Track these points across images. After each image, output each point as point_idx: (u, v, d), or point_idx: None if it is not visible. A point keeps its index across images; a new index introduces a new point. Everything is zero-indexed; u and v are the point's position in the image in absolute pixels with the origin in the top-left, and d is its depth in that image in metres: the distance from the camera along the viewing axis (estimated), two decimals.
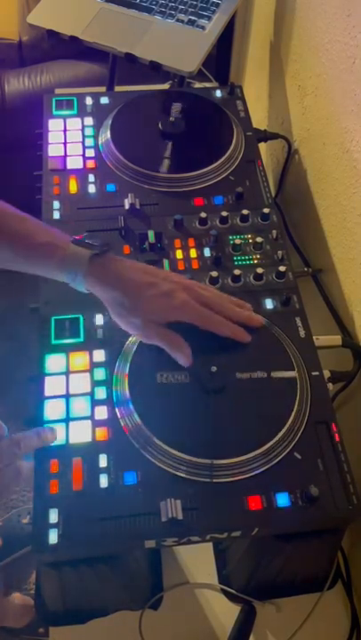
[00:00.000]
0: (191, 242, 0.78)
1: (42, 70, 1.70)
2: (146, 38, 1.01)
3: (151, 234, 0.77)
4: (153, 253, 0.76)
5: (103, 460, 0.60)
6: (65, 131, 0.89)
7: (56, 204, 0.80)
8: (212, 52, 1.03)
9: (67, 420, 0.63)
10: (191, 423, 0.63)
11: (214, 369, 0.64)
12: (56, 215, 0.79)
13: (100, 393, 0.64)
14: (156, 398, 0.64)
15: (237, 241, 0.77)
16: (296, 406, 0.64)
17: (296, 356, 0.68)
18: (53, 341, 0.68)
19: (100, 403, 0.64)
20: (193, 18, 1.03)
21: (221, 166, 0.85)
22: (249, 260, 0.77)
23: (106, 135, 0.87)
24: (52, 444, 0.61)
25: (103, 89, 1.20)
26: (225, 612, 0.76)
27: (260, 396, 0.65)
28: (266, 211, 0.79)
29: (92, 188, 0.82)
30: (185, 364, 0.63)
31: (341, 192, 0.83)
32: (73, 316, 0.70)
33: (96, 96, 0.94)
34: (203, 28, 1.02)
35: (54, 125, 0.89)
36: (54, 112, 0.91)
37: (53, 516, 0.57)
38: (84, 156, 0.86)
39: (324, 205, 0.90)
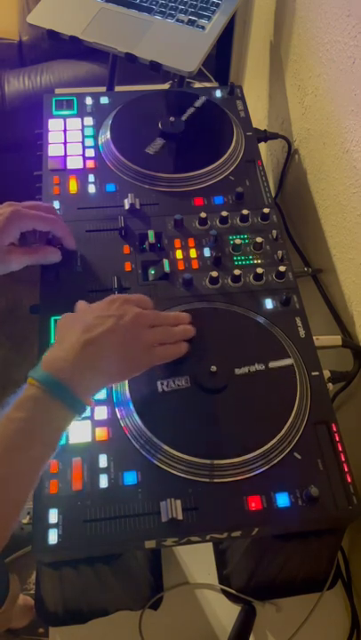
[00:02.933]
0: (191, 242, 0.78)
1: (42, 70, 1.70)
2: (146, 38, 1.01)
3: (151, 234, 0.77)
4: (153, 253, 0.76)
5: (103, 460, 0.60)
6: (65, 131, 0.89)
7: (56, 204, 0.80)
8: (212, 52, 1.03)
9: None
10: (191, 423, 0.63)
11: (214, 369, 0.64)
12: None
13: (100, 393, 0.64)
14: (156, 398, 0.64)
15: (237, 241, 0.77)
16: (296, 406, 0.64)
17: (296, 356, 0.68)
18: (53, 341, 0.68)
19: (100, 403, 0.64)
20: (193, 18, 1.03)
21: (221, 166, 0.85)
22: (249, 260, 0.77)
23: (106, 135, 0.87)
24: None
25: (103, 89, 1.20)
26: (225, 612, 0.76)
27: (260, 393, 0.65)
28: (266, 211, 0.79)
29: (92, 188, 0.82)
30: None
31: (341, 192, 0.83)
32: None
33: (96, 96, 0.94)
34: (203, 27, 1.02)
35: (54, 125, 0.89)
36: (54, 112, 0.91)
37: (53, 516, 0.57)
38: (84, 156, 0.86)
39: (324, 205, 0.90)
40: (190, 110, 0.91)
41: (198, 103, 0.93)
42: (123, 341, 0.59)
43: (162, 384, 0.64)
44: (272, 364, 0.66)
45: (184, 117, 0.89)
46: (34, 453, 0.52)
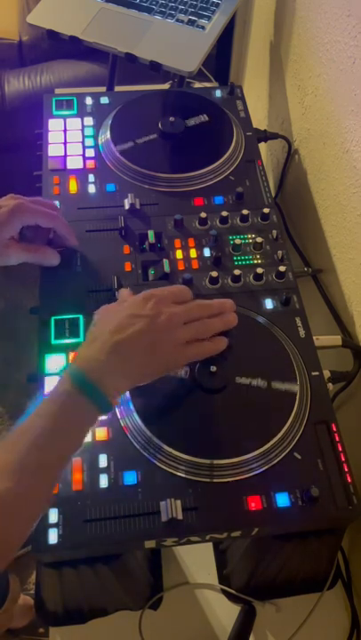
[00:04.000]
0: (191, 242, 0.78)
1: (42, 70, 1.70)
2: (146, 38, 1.01)
3: (151, 234, 0.77)
4: (153, 253, 0.76)
5: (103, 460, 0.60)
6: (65, 131, 0.89)
7: (56, 204, 0.80)
8: (212, 52, 1.03)
9: None
10: (191, 423, 0.63)
11: (214, 369, 0.64)
12: None
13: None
14: (157, 398, 0.64)
15: (237, 241, 0.77)
16: (296, 406, 0.64)
17: (296, 356, 0.68)
18: (53, 341, 0.68)
19: None
20: (193, 18, 1.03)
21: (221, 166, 0.85)
22: (249, 260, 0.77)
23: (106, 135, 0.87)
24: None
25: (103, 89, 1.20)
26: (225, 612, 0.76)
27: (260, 391, 0.65)
28: (266, 211, 0.79)
29: (92, 188, 0.82)
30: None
31: (341, 192, 0.83)
32: (73, 315, 0.70)
33: (96, 96, 0.94)
34: (203, 27, 1.02)
35: (54, 125, 0.89)
36: (54, 112, 0.91)
37: (53, 516, 0.57)
38: (84, 155, 0.86)
39: (324, 205, 0.90)
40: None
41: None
42: (153, 343, 0.58)
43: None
44: (275, 385, 0.65)
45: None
46: (60, 448, 0.53)
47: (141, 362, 0.58)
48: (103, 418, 0.63)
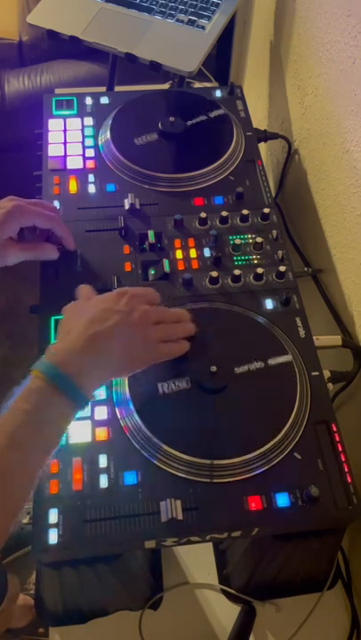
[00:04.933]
0: (191, 242, 0.78)
1: (42, 70, 1.70)
2: (146, 38, 1.01)
3: (151, 234, 0.77)
4: (153, 253, 0.76)
5: (103, 460, 0.60)
6: (65, 131, 0.89)
7: (56, 204, 0.80)
8: (212, 52, 1.03)
9: None
10: (191, 423, 0.63)
11: (214, 369, 0.64)
12: None
13: (100, 393, 0.64)
14: (156, 398, 0.64)
15: (237, 241, 0.77)
16: (296, 406, 0.64)
17: (296, 356, 0.68)
18: (53, 341, 0.68)
19: (100, 403, 0.64)
20: (193, 18, 1.03)
21: (221, 166, 0.85)
22: (249, 260, 0.77)
23: (106, 135, 0.87)
24: None
25: (103, 89, 1.20)
26: (225, 612, 0.76)
27: (260, 392, 0.65)
28: (266, 211, 0.79)
29: (92, 188, 0.82)
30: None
31: (341, 192, 0.83)
32: None
33: (96, 96, 0.94)
34: (203, 27, 1.02)
35: (54, 125, 0.89)
36: (54, 112, 0.91)
37: (53, 516, 0.57)
38: (84, 156, 0.86)
39: (324, 205, 0.90)
40: (201, 117, 0.91)
41: (214, 114, 0.91)
42: (128, 338, 0.59)
43: (162, 386, 0.64)
44: (271, 361, 0.66)
45: (192, 122, 0.89)
46: (38, 444, 0.52)
47: (116, 356, 0.58)
48: (103, 418, 0.63)
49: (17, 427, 0.51)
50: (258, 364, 0.66)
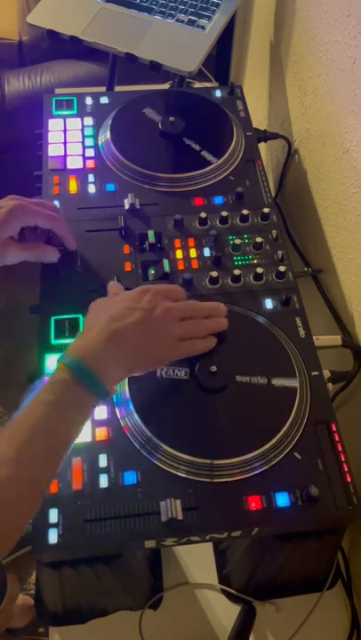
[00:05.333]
0: (191, 242, 0.78)
1: (42, 70, 1.70)
2: (146, 38, 1.01)
3: (151, 234, 0.77)
4: (153, 253, 0.76)
5: (103, 460, 0.60)
6: (65, 131, 0.89)
7: (56, 204, 0.80)
8: (212, 52, 1.03)
9: None
10: (191, 423, 0.63)
11: (214, 369, 0.64)
12: None
13: None
14: (157, 398, 0.64)
15: (237, 241, 0.77)
16: (296, 406, 0.64)
17: (296, 356, 0.68)
18: (53, 341, 0.68)
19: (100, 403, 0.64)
20: (193, 18, 1.03)
21: (221, 166, 0.85)
22: (249, 259, 0.77)
23: (106, 135, 0.87)
24: None
25: (103, 89, 1.20)
26: (225, 612, 0.76)
27: (260, 398, 0.65)
28: (266, 211, 0.79)
29: (92, 188, 0.82)
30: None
31: (341, 192, 0.83)
32: (73, 315, 0.70)
33: (96, 96, 0.94)
34: (203, 27, 1.02)
35: (54, 125, 0.89)
36: (54, 112, 0.91)
37: (53, 516, 0.57)
38: (84, 155, 0.86)
39: (324, 205, 0.90)
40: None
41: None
42: (149, 335, 0.59)
43: (161, 369, 0.65)
44: (275, 382, 0.65)
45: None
46: (62, 434, 0.53)
47: (137, 352, 0.59)
48: (103, 418, 0.63)
49: (40, 417, 0.52)
50: (261, 380, 0.65)
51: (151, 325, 0.59)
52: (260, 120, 1.22)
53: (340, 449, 0.62)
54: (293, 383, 0.65)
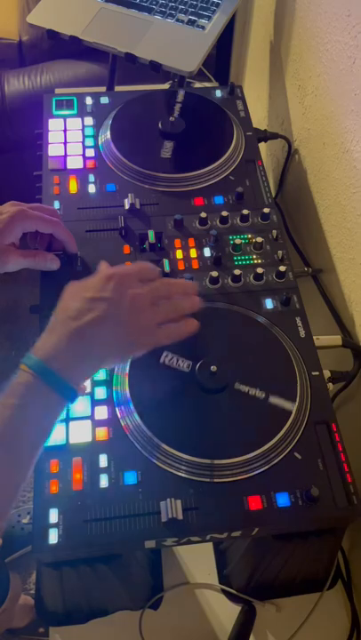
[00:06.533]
0: (191, 242, 0.78)
1: (42, 70, 1.70)
2: (146, 38, 1.01)
3: (151, 234, 0.77)
4: (153, 253, 0.76)
5: (103, 460, 0.60)
6: (65, 131, 0.89)
7: (56, 204, 0.80)
8: (212, 52, 1.03)
9: (67, 419, 0.63)
10: (191, 423, 0.63)
11: (214, 369, 0.64)
12: None
13: (100, 393, 0.64)
14: (157, 398, 0.64)
15: (237, 241, 0.77)
16: (296, 406, 0.64)
17: (296, 356, 0.68)
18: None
19: (101, 402, 0.64)
20: (193, 18, 1.03)
21: (221, 166, 0.85)
22: (249, 260, 0.77)
23: (106, 135, 0.87)
24: (53, 444, 0.61)
25: (103, 89, 1.20)
26: (225, 612, 0.76)
27: (260, 399, 0.65)
28: (266, 211, 0.79)
29: (92, 188, 0.82)
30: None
31: (341, 192, 0.83)
32: None
33: (96, 96, 0.94)
34: (203, 27, 1.02)
35: (54, 125, 0.89)
36: (54, 112, 0.91)
37: (53, 516, 0.57)
38: (84, 155, 0.86)
39: (324, 205, 0.90)
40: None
41: (180, 98, 0.91)
42: (116, 326, 0.56)
43: (166, 356, 0.64)
44: (273, 400, 0.64)
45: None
46: (28, 438, 0.52)
47: (107, 347, 0.56)
48: (103, 418, 0.63)
49: (7, 419, 0.51)
50: (259, 393, 0.64)
51: (119, 317, 0.56)
52: (260, 120, 1.22)
53: (340, 449, 0.62)
54: (290, 406, 0.64)
